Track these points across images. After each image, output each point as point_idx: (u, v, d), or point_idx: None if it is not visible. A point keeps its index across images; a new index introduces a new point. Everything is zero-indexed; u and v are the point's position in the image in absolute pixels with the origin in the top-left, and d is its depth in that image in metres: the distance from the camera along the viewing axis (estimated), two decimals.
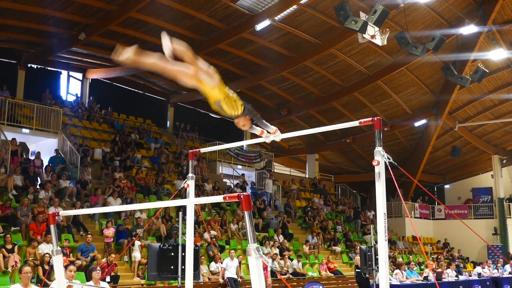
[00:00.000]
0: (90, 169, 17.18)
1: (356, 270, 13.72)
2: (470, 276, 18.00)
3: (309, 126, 24.78)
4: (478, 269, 18.52)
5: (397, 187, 5.14)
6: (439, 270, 16.41)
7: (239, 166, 23.83)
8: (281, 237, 18.47)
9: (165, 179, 18.84)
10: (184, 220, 9.64)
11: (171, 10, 16.46)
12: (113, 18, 16.43)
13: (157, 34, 19.09)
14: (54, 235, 4.95)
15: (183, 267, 8.89)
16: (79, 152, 17.08)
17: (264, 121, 5.21)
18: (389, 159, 4.72)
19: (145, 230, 14.74)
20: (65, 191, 15.29)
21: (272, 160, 26.05)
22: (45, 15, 16.01)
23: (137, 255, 13.75)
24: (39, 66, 20.57)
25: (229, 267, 14.20)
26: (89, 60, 21.06)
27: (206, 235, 15.79)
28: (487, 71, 18.44)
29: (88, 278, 8.63)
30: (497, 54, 19.85)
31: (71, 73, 22.34)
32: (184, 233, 8.74)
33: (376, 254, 12.30)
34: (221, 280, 14.17)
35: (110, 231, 14.00)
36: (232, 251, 14.89)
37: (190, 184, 6.40)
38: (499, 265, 19.87)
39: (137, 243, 13.89)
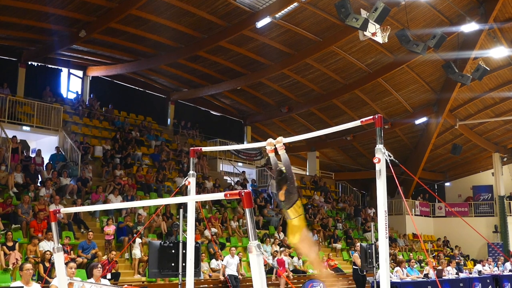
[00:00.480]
0: (90, 166, 17.19)
1: (353, 267, 13.73)
2: (471, 273, 18.01)
3: (310, 123, 24.81)
4: (479, 266, 18.54)
5: (398, 185, 5.13)
6: (440, 267, 16.42)
7: (240, 164, 23.85)
8: (281, 235, 18.48)
9: (165, 177, 18.86)
10: (185, 217, 9.64)
11: (171, 8, 16.45)
12: (114, 15, 16.41)
13: (157, 31, 19.03)
14: (55, 233, 4.95)
15: (183, 264, 8.88)
16: (80, 150, 17.09)
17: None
18: (390, 156, 4.71)
19: (146, 227, 14.75)
20: (66, 188, 15.30)
21: None
22: (46, 12, 16.00)
23: (137, 252, 13.76)
24: (39, 64, 20.56)
25: (229, 264, 14.22)
26: (89, 58, 21.07)
27: (207, 233, 15.80)
28: (488, 69, 18.42)
29: (89, 275, 8.63)
30: (498, 52, 19.82)
31: (72, 71, 22.31)
32: (184, 231, 8.75)
33: (376, 251, 12.30)
34: (221, 277, 14.19)
35: (110, 229, 14.02)
36: (233, 248, 14.91)
37: (191, 181, 6.40)
38: (499, 263, 19.90)
39: (138, 240, 13.90)
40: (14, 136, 15.99)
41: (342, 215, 23.56)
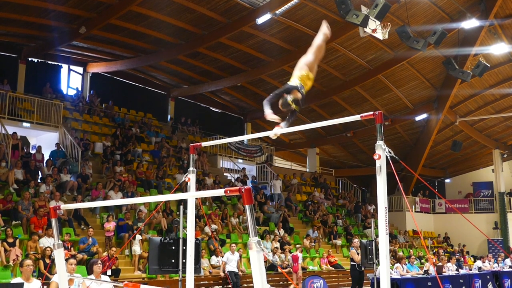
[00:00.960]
0: (91, 163, 17.19)
1: (351, 263, 13.75)
2: (471, 270, 18.02)
3: (310, 120, 24.78)
4: (479, 263, 18.54)
5: (398, 181, 5.13)
6: (440, 264, 16.43)
7: (240, 160, 23.84)
8: (281, 231, 18.50)
9: (165, 173, 18.86)
10: (185, 214, 9.64)
11: (172, 4, 16.43)
12: (114, 11, 16.39)
13: (158, 28, 19.02)
14: (55, 229, 4.94)
15: (184, 260, 8.88)
16: (80, 146, 17.10)
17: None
18: (390, 153, 4.71)
19: (146, 224, 14.76)
20: (66, 185, 15.31)
21: (273, 154, 26.07)
22: (46, 8, 15.99)
23: (137, 249, 13.77)
24: (39, 60, 20.54)
25: (230, 260, 14.23)
26: (89, 54, 21.04)
27: (207, 229, 15.81)
28: (489, 65, 18.41)
29: (89, 271, 8.65)
30: (498, 48, 19.80)
31: (72, 67, 22.31)
32: (185, 227, 8.75)
33: (376, 248, 12.31)
34: (222, 274, 14.20)
35: (111, 225, 14.02)
36: (233, 244, 14.91)
37: (191, 178, 6.40)
38: (499, 259, 19.91)
39: (138, 237, 13.91)
40: (14, 133, 16.00)
41: (342, 212, 23.57)
